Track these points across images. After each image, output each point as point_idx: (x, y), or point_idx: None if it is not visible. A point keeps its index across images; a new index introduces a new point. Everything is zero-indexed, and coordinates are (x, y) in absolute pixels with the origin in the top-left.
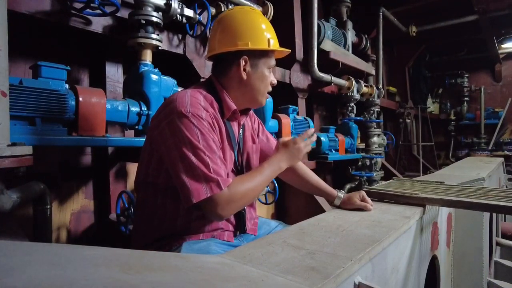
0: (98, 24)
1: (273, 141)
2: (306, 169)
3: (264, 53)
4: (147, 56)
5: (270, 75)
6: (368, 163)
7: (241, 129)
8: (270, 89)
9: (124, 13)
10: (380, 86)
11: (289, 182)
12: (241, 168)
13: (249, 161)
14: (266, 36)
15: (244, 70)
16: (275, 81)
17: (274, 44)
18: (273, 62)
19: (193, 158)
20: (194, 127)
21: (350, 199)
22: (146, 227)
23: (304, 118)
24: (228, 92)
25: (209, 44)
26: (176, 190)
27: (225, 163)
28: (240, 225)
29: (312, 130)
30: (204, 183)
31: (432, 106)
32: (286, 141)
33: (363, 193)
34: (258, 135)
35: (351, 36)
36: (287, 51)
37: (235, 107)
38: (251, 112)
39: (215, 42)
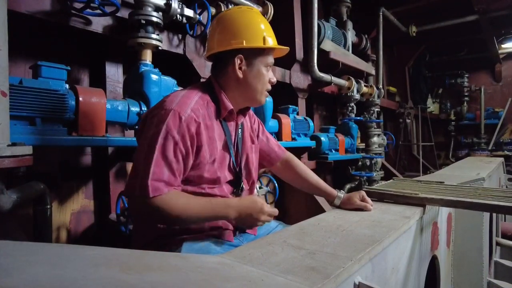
0: (98, 24)
1: (273, 141)
2: (306, 169)
3: (261, 51)
4: (147, 56)
5: (268, 73)
6: (368, 163)
7: (239, 130)
8: (269, 87)
9: (124, 13)
10: (380, 86)
11: (288, 182)
12: (239, 169)
13: (248, 161)
14: (262, 34)
15: (240, 68)
16: (274, 80)
17: (271, 42)
18: (270, 60)
19: (144, 155)
20: (165, 128)
21: (350, 199)
22: (146, 227)
23: (304, 118)
24: (226, 91)
25: (207, 44)
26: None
27: (175, 173)
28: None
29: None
30: (137, 181)
31: (432, 106)
32: (258, 199)
33: (363, 193)
34: (258, 135)
35: (351, 36)
36: (285, 48)
37: (232, 107)
38: (251, 112)
39: (213, 42)
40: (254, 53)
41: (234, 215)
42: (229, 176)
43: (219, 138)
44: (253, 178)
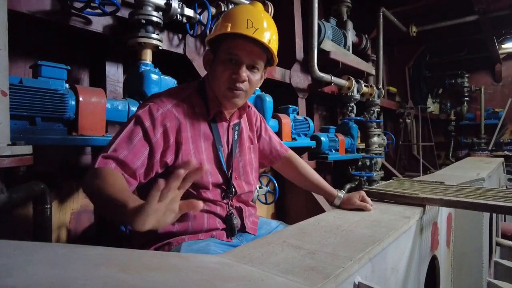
0: (98, 23)
1: (275, 140)
2: (307, 167)
3: (221, 42)
4: (147, 55)
5: (230, 68)
6: (368, 163)
7: (236, 132)
8: (236, 85)
9: (124, 13)
10: (380, 86)
11: (289, 179)
12: (231, 172)
13: (245, 163)
14: (227, 23)
15: (208, 62)
16: (241, 77)
17: (230, 28)
18: (232, 50)
19: (117, 140)
20: (138, 116)
21: (350, 199)
22: None
23: (304, 118)
24: (212, 90)
25: None
26: None
27: (135, 157)
28: (230, 226)
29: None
30: (100, 157)
31: (432, 106)
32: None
33: (363, 193)
34: (260, 134)
35: (351, 36)
36: (244, 34)
37: (218, 108)
38: (253, 110)
39: None
40: (216, 45)
41: (132, 204)
42: (219, 179)
43: (205, 139)
44: (252, 179)
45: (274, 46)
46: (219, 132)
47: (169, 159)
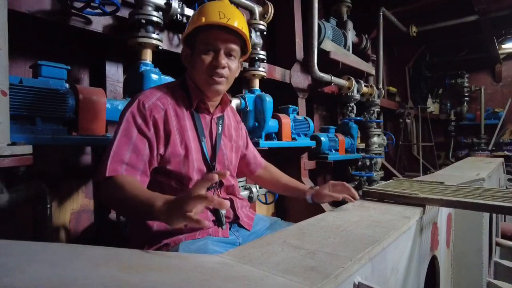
0: (99, 23)
1: (255, 150)
2: (280, 172)
3: (197, 35)
4: (147, 55)
5: (208, 56)
6: (368, 163)
7: (219, 126)
8: (217, 71)
9: (124, 13)
10: (380, 86)
11: (268, 188)
12: (215, 162)
13: (226, 157)
14: (201, 17)
15: (186, 57)
16: (221, 64)
17: (204, 20)
18: (209, 40)
19: (111, 142)
20: (128, 114)
21: (319, 192)
22: (140, 226)
23: (304, 118)
24: (194, 82)
25: None
26: (165, 187)
27: (139, 155)
28: (218, 218)
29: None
30: (100, 165)
31: (432, 106)
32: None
33: (333, 182)
34: (247, 142)
35: (351, 36)
36: (218, 22)
37: (200, 97)
38: (238, 118)
39: None
40: (193, 40)
41: (159, 203)
42: (203, 170)
43: (190, 128)
44: (234, 174)
45: (246, 33)
46: (202, 123)
47: (161, 150)
